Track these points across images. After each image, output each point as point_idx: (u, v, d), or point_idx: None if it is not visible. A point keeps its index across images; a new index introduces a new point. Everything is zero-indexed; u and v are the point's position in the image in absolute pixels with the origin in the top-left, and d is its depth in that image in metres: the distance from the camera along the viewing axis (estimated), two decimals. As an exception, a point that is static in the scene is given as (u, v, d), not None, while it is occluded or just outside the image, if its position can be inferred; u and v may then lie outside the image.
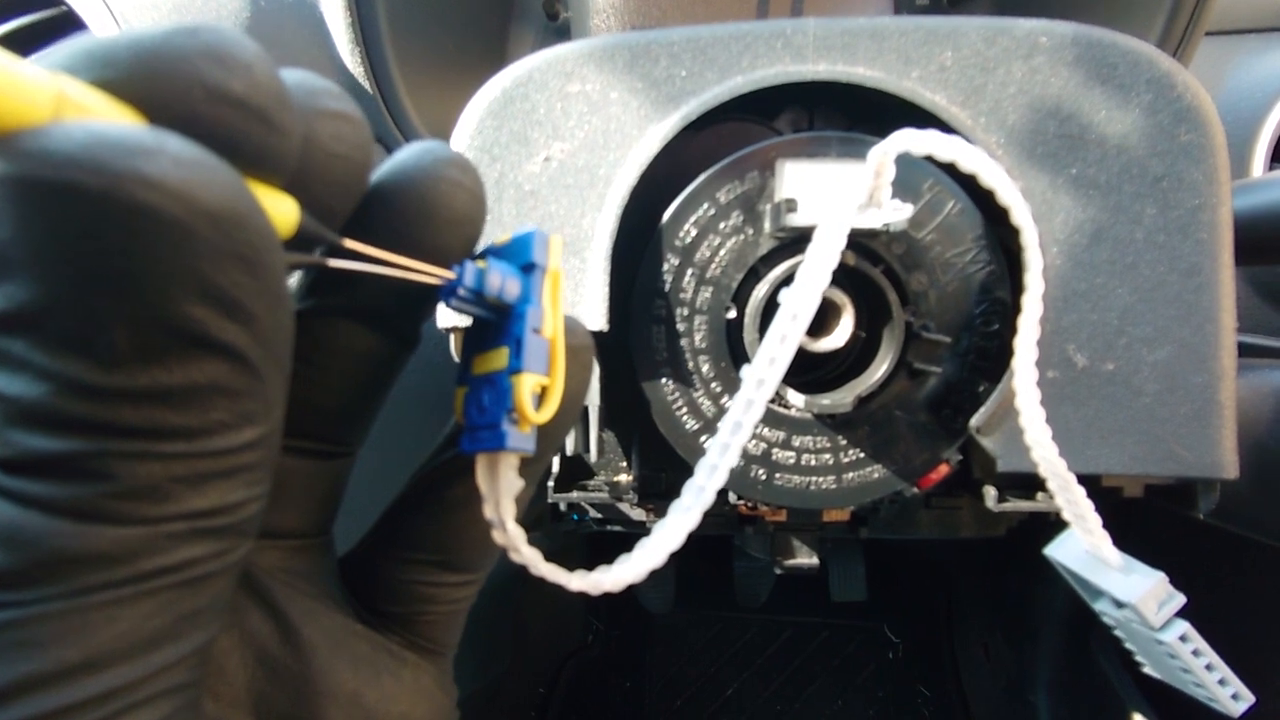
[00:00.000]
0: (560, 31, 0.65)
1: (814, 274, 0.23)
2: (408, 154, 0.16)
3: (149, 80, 0.11)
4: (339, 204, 0.14)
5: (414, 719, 0.18)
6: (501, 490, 0.16)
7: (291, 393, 0.15)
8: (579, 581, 0.19)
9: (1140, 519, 0.34)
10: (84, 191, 0.10)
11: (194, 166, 0.10)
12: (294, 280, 0.16)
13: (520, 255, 0.17)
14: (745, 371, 0.22)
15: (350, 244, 0.14)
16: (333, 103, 0.14)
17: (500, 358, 0.16)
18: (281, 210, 0.13)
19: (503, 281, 0.16)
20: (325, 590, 0.18)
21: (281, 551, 0.18)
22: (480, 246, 0.17)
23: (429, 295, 0.16)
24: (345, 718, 0.17)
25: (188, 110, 0.11)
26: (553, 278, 0.17)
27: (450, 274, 0.16)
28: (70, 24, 0.44)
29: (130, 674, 0.11)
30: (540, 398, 0.16)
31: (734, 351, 0.33)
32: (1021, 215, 0.25)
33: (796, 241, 0.31)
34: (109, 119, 0.10)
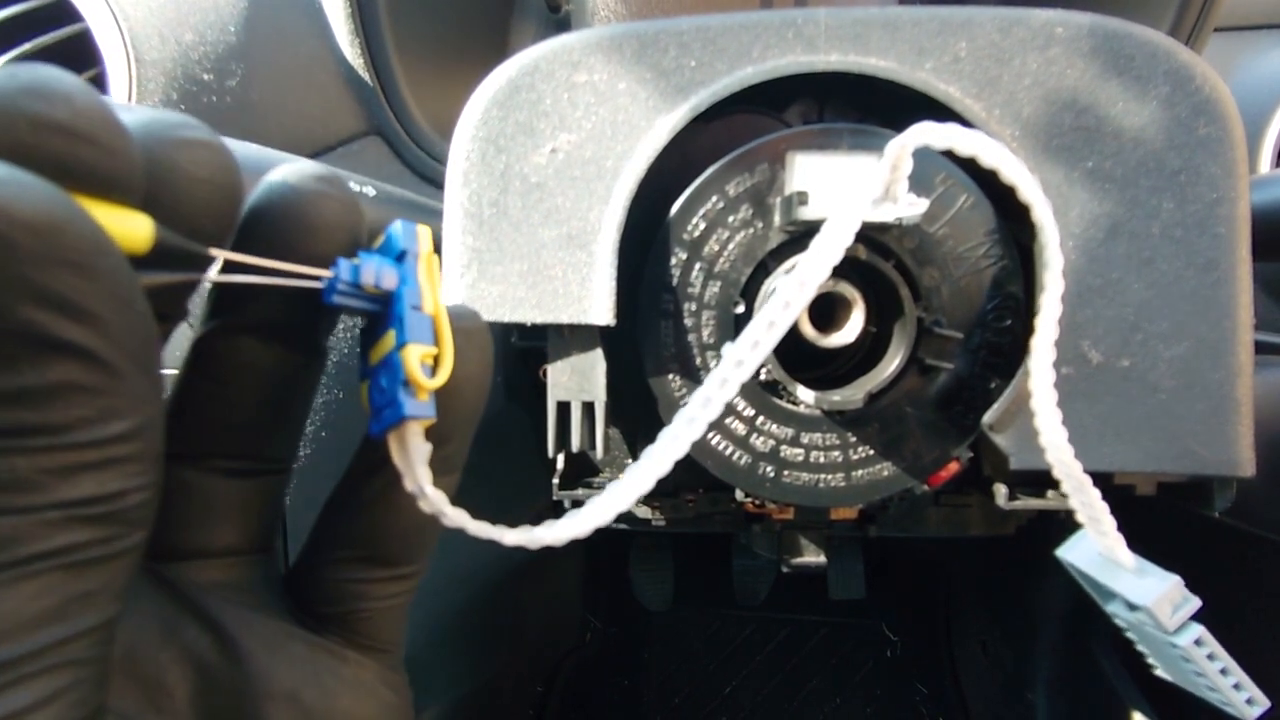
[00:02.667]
0: (562, 24, 0.65)
1: (815, 264, 0.22)
2: (275, 174, 0.17)
3: None
4: (211, 225, 0.15)
5: (360, 715, 0.19)
6: (414, 459, 0.17)
7: (206, 412, 0.17)
8: (514, 536, 0.19)
9: (1148, 517, 0.33)
10: None
11: (7, 184, 0.11)
12: (197, 301, 0.17)
13: (393, 249, 0.18)
14: (726, 349, 0.22)
15: (216, 252, 0.15)
16: (190, 132, 0.15)
17: (390, 340, 0.17)
18: (133, 225, 0.13)
19: (378, 271, 0.17)
20: (263, 601, 0.19)
21: (217, 569, 0.18)
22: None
23: (323, 304, 0.17)
24: (288, 716, 0.17)
25: (14, 140, 0.12)
26: (426, 259, 0.17)
27: (327, 273, 0.17)
28: (64, 14, 0.43)
29: (18, 650, 0.12)
30: (434, 368, 0.17)
31: (742, 347, 0.32)
32: (1042, 212, 0.25)
33: (807, 235, 0.31)
34: None
